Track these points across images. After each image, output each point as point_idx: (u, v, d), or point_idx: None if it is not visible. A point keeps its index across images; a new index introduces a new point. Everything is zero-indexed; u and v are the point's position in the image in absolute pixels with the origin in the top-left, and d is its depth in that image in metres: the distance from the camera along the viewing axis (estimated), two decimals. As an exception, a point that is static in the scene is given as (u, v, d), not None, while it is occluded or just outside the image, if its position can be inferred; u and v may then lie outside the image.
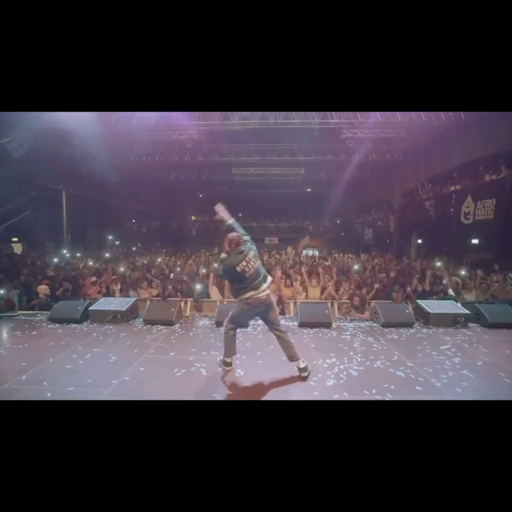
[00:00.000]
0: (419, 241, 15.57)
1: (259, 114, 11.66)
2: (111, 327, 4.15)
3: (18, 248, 14.39)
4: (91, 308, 4.42)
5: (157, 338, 3.73)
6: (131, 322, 4.39)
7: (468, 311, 4.08)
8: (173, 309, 4.38)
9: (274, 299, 2.61)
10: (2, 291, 5.03)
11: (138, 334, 3.88)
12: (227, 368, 2.75)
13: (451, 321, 4.00)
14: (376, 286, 5.66)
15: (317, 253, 19.07)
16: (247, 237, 2.61)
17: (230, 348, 2.72)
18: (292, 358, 2.58)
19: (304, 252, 19.52)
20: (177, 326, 4.25)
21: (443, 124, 10.49)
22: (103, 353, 3.19)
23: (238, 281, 2.52)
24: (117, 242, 18.48)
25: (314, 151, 15.12)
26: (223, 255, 2.60)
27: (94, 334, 3.86)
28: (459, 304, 4.33)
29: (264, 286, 2.52)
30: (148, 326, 4.23)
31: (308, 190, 21.40)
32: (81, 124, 9.38)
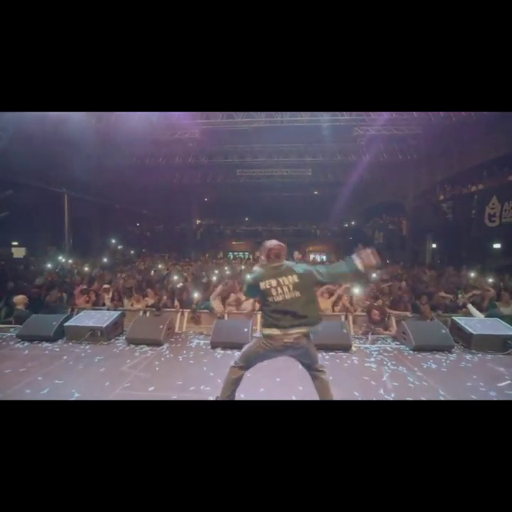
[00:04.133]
0: (434, 245, 14.73)
1: (264, 112, 11.09)
2: (88, 347, 3.51)
3: (19, 252, 14.04)
4: (67, 323, 3.79)
5: (138, 363, 3.06)
6: (113, 340, 3.75)
7: (520, 333, 3.33)
8: (161, 326, 3.72)
9: (308, 342, 1.92)
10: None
11: (117, 358, 3.23)
12: None
13: (500, 345, 3.24)
14: (407, 313, 4.62)
15: (325, 258, 18.33)
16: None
17: (227, 391, 2.02)
18: None
19: (312, 257, 18.85)
20: (165, 346, 3.59)
21: (462, 119, 9.77)
22: (65, 386, 2.53)
23: (264, 307, 1.98)
24: (120, 247, 18.04)
25: (322, 152, 14.46)
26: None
27: (65, 357, 3.22)
28: (505, 323, 3.57)
29: (296, 330, 1.86)
30: (132, 345, 3.58)
31: (316, 192, 20.73)
32: (76, 124, 8.96)
